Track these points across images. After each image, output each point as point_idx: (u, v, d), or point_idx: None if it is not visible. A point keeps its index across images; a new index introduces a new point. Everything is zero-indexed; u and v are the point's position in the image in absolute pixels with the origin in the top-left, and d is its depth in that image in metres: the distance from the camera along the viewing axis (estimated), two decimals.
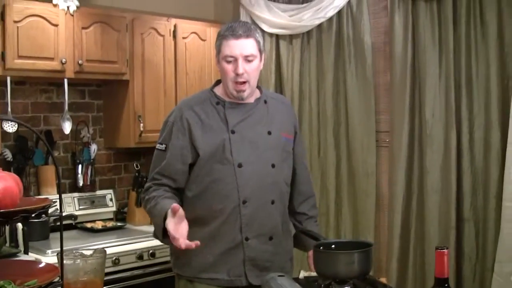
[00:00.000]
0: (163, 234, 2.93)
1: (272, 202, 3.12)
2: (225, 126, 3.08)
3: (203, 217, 3.05)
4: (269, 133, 3.15)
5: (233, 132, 3.06)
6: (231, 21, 3.29)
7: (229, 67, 3.04)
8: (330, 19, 4.99)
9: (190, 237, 2.83)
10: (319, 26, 5.07)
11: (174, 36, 5.06)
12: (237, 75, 3.02)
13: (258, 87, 3.22)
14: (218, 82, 3.24)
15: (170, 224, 2.77)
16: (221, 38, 3.07)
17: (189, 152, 3.07)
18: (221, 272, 3.05)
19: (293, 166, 3.29)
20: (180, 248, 2.73)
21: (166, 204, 2.90)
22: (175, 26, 5.06)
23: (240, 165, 3.03)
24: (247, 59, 3.04)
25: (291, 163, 3.27)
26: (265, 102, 3.22)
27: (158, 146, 3.18)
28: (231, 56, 3.03)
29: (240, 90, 3.06)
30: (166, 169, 3.09)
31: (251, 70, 3.05)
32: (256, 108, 3.17)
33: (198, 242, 2.74)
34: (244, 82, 3.05)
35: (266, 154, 3.11)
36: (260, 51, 3.12)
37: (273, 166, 3.11)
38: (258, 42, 3.10)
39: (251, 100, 3.17)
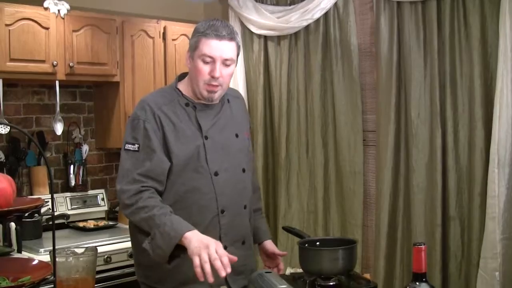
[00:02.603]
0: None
1: (245, 207, 3.06)
2: (198, 131, 2.91)
3: None
4: (237, 135, 3.05)
5: (206, 138, 2.92)
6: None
7: (205, 68, 2.86)
8: (317, 21, 5.04)
9: None
10: (307, 27, 5.11)
11: (164, 38, 5.11)
12: (212, 77, 2.86)
13: None
14: (181, 77, 3.07)
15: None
16: (200, 35, 2.86)
17: (167, 155, 2.87)
18: (203, 283, 2.67)
19: None
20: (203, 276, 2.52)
21: (183, 225, 2.69)
22: (164, 28, 5.11)
23: (216, 174, 2.91)
24: (225, 63, 2.87)
25: (251, 160, 3.20)
26: (228, 101, 3.10)
27: (127, 146, 2.89)
28: (210, 57, 2.84)
29: (212, 91, 2.90)
30: (154, 170, 2.83)
31: (226, 75, 2.90)
32: (223, 110, 3.04)
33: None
34: (217, 85, 2.89)
35: (236, 159, 3.02)
36: (237, 57, 2.96)
37: (243, 170, 3.05)
38: (238, 47, 2.93)
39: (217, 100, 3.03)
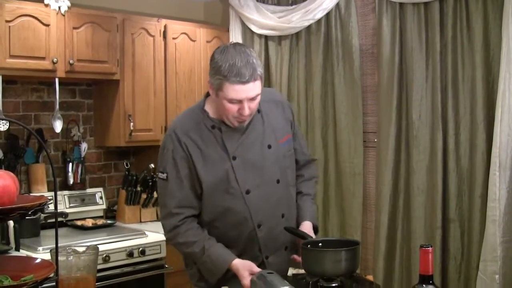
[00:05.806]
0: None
1: (282, 216, 3.06)
2: (225, 154, 2.93)
3: (222, 241, 2.95)
4: (269, 146, 3.02)
5: (234, 158, 2.93)
6: (231, 44, 2.85)
7: (232, 107, 2.82)
8: (318, 21, 5.03)
9: None
10: (308, 27, 5.11)
11: (164, 37, 5.09)
12: (241, 115, 2.84)
13: None
14: (208, 94, 3.00)
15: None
16: (224, 79, 2.77)
17: (196, 181, 2.93)
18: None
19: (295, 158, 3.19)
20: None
21: (225, 253, 2.90)
22: (165, 26, 5.09)
23: (247, 192, 2.94)
24: (253, 98, 2.82)
25: (293, 161, 3.17)
26: (259, 111, 3.02)
27: (159, 175, 3.00)
28: (237, 100, 2.79)
29: (241, 121, 2.90)
30: (185, 200, 2.94)
31: (254, 105, 2.87)
32: (251, 125, 2.99)
33: None
34: (246, 116, 2.87)
35: (269, 172, 3.00)
36: (262, 82, 2.88)
37: (278, 181, 3.03)
38: (261, 78, 2.85)
39: None
